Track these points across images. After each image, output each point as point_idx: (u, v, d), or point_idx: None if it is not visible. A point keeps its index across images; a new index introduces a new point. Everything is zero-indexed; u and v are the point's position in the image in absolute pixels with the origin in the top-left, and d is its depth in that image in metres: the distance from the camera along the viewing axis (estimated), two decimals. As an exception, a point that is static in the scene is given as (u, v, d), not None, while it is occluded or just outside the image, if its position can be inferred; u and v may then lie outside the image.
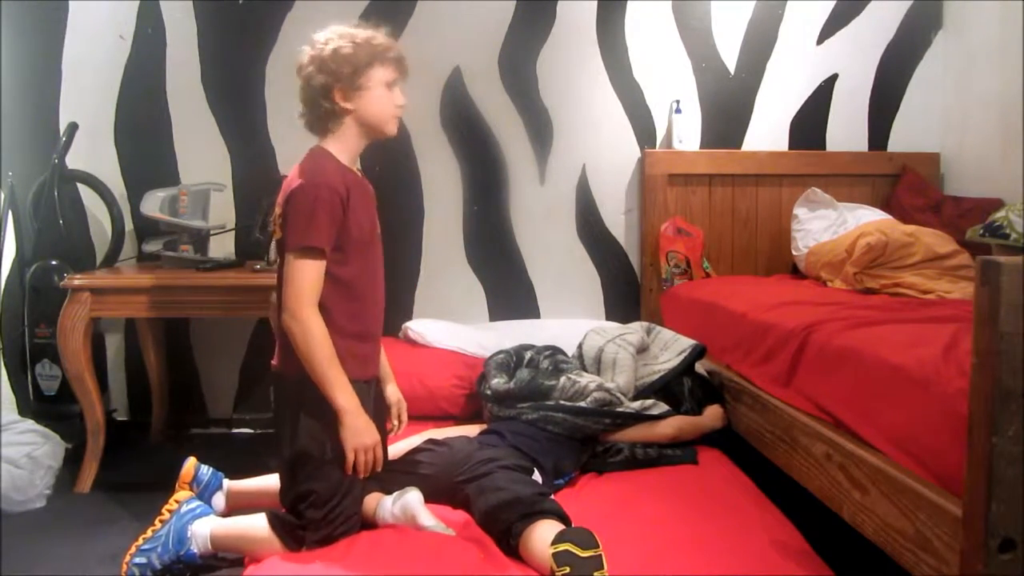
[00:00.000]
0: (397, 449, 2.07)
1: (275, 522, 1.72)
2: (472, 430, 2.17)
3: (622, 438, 2.15)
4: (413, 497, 1.73)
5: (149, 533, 1.84)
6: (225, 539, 1.79)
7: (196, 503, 1.89)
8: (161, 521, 1.85)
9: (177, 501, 1.89)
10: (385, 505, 1.76)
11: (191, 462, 2.03)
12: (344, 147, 1.76)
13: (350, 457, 1.66)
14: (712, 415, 2.28)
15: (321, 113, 1.73)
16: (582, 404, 2.15)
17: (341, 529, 1.69)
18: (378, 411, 1.88)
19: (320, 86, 1.70)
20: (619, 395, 2.21)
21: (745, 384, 2.22)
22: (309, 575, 1.54)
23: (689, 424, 2.21)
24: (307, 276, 1.66)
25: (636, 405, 2.20)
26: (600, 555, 1.43)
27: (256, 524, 1.74)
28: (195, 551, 1.78)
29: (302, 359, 1.65)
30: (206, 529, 1.80)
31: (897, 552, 1.45)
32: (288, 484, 1.74)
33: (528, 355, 2.45)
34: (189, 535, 1.79)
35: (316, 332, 1.64)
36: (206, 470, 2.04)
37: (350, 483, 1.71)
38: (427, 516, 1.70)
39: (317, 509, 1.68)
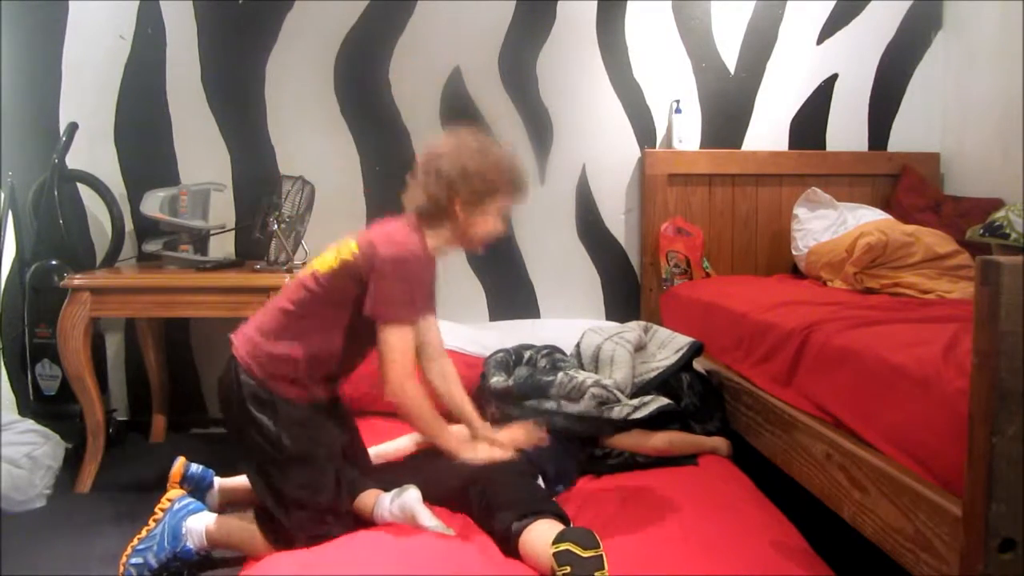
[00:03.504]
0: (387, 449, 2.07)
1: (264, 522, 1.71)
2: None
3: (615, 444, 2.13)
4: (412, 496, 1.71)
5: (143, 533, 1.84)
6: (219, 536, 1.79)
7: (189, 499, 1.89)
8: (155, 520, 1.85)
9: (169, 500, 1.89)
10: (383, 503, 1.74)
11: (180, 461, 2.03)
12: (433, 241, 1.75)
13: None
14: (718, 441, 2.23)
15: (434, 209, 1.73)
16: (581, 408, 2.14)
17: (334, 529, 1.68)
18: (341, 421, 1.85)
19: (446, 186, 1.69)
20: (616, 391, 2.19)
21: (745, 384, 2.22)
22: (308, 574, 1.54)
23: (681, 440, 2.17)
24: (404, 348, 1.67)
25: (635, 402, 2.19)
26: (601, 555, 1.42)
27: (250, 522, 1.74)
28: (191, 547, 1.78)
29: (413, 425, 1.78)
30: (201, 525, 1.80)
31: (897, 552, 1.45)
32: (271, 485, 1.70)
33: (527, 354, 2.45)
34: (184, 531, 1.79)
35: (420, 401, 1.70)
36: (196, 468, 2.03)
37: (336, 483, 1.70)
38: (427, 515, 1.68)
39: (304, 510, 1.67)
